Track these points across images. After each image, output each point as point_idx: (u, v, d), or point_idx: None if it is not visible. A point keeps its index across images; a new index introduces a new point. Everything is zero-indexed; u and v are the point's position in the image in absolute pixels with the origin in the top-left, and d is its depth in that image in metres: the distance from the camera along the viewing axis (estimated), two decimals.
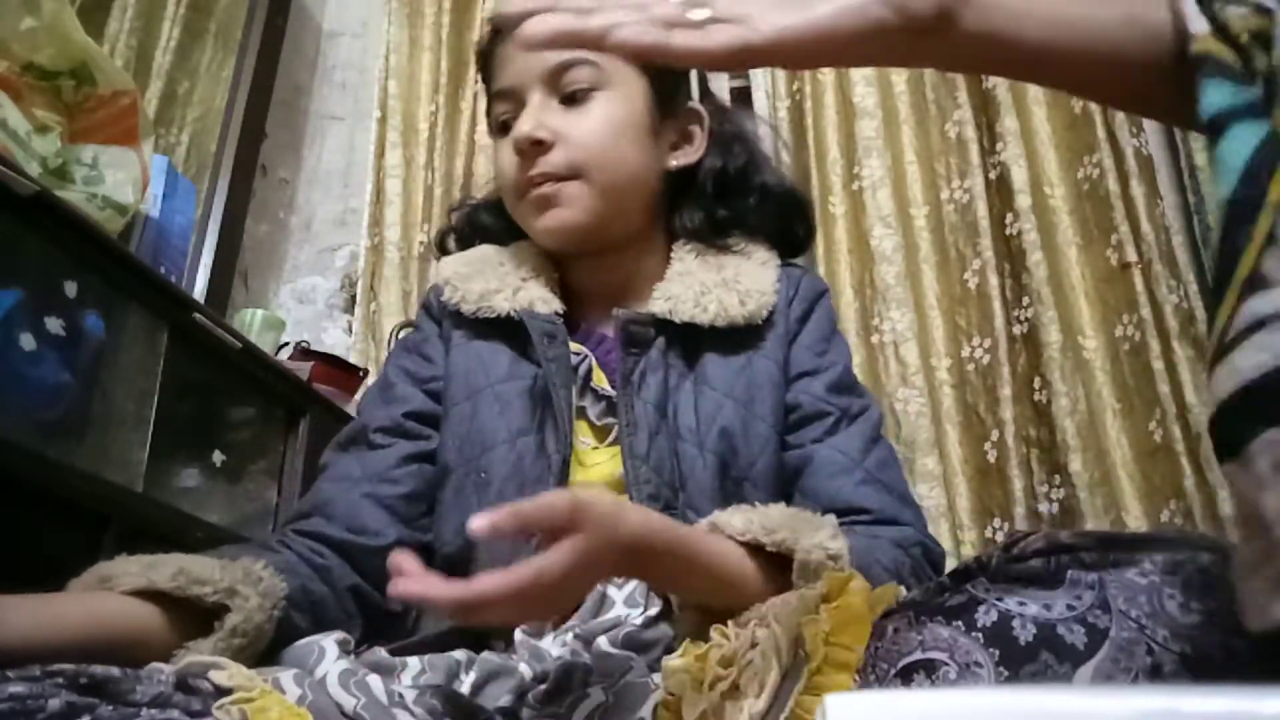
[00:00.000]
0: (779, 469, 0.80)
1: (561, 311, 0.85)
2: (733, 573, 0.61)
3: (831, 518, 0.65)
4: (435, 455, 0.83)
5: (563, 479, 0.75)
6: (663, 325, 0.81)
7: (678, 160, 0.88)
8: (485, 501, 0.76)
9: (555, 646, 0.68)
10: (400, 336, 0.96)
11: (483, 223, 0.95)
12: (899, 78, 1.87)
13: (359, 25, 2.27)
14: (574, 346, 0.83)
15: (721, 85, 1.92)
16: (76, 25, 1.30)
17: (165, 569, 0.61)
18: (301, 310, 2.02)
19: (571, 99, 0.83)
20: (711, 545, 0.61)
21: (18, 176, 0.99)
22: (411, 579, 0.51)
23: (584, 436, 0.81)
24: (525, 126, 0.81)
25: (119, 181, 1.32)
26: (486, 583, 0.49)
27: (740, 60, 0.46)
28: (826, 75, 1.87)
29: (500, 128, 0.86)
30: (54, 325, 1.03)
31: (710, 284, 0.82)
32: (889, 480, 0.79)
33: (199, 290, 1.76)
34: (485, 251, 0.90)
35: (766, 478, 0.78)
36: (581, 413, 0.81)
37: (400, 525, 0.78)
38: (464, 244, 0.96)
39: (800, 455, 0.80)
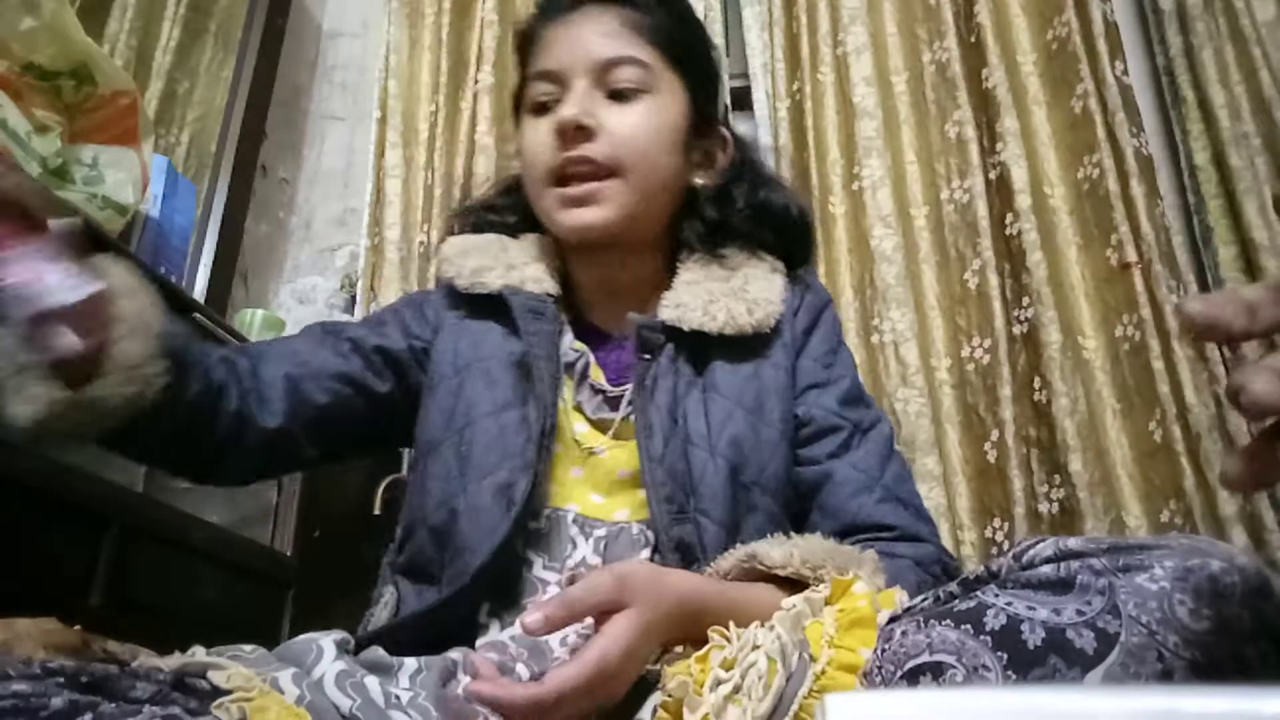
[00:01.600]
0: (787, 475, 0.80)
1: (555, 294, 0.85)
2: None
3: (872, 553, 0.66)
4: (372, 395, 0.84)
5: (543, 447, 0.75)
6: (671, 332, 0.82)
7: (700, 179, 0.89)
8: (466, 472, 0.76)
9: (555, 646, 0.68)
10: None
11: (487, 219, 0.95)
12: (899, 78, 1.87)
13: (359, 25, 2.27)
14: (576, 345, 0.83)
15: (722, 85, 1.92)
16: (76, 25, 1.30)
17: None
18: (301, 310, 2.02)
19: (618, 95, 0.83)
20: (749, 595, 0.63)
21: None
22: (488, 683, 0.54)
23: (580, 423, 0.81)
24: (572, 110, 0.81)
25: (119, 181, 1.32)
26: (560, 680, 0.52)
27: None
28: (826, 75, 1.87)
29: (537, 108, 0.85)
30: None
31: (718, 293, 0.83)
32: (906, 496, 0.80)
33: (199, 290, 1.76)
34: (489, 237, 0.91)
35: (776, 483, 0.79)
36: (579, 408, 0.81)
37: (293, 421, 0.80)
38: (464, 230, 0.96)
39: (818, 472, 0.80)
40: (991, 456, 1.60)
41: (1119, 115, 1.69)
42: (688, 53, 0.88)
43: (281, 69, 2.13)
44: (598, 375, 0.82)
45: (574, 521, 0.75)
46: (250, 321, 1.68)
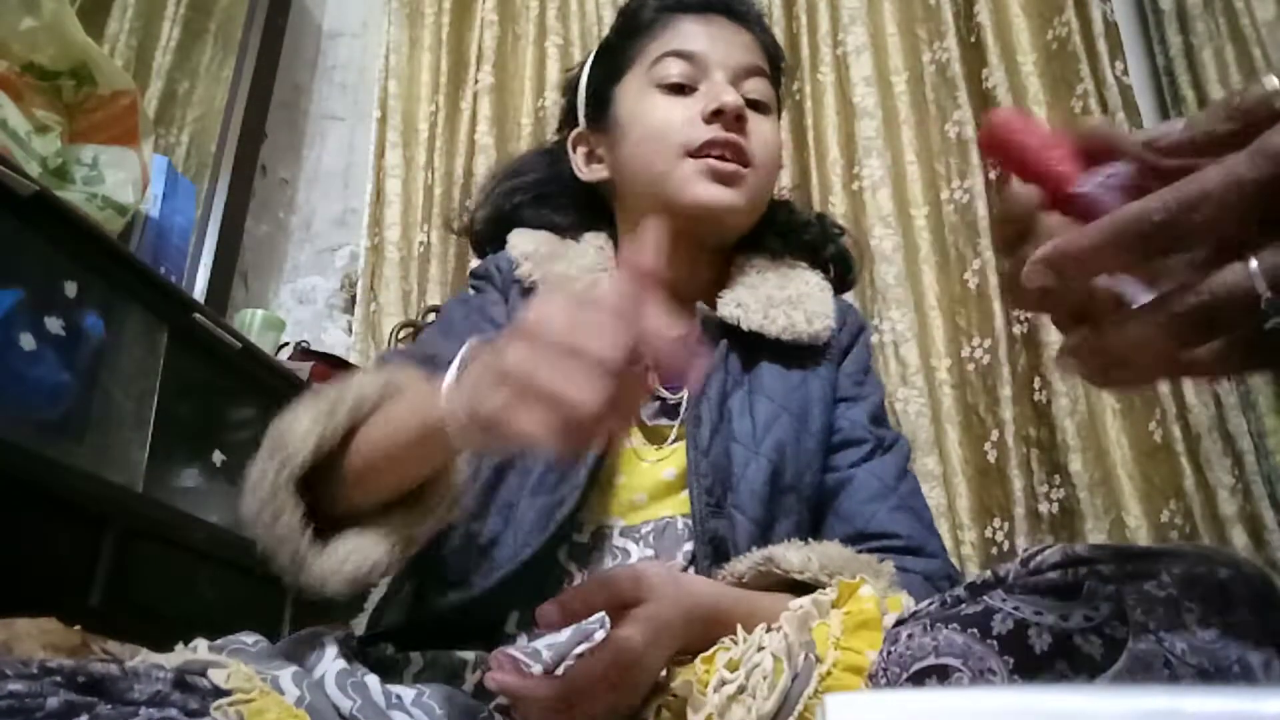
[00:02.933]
0: (821, 485, 0.82)
1: None
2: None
3: (889, 565, 0.67)
4: None
5: (592, 475, 0.75)
6: (726, 330, 0.83)
7: (776, 198, 0.93)
8: (525, 487, 0.75)
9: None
10: (400, 338, 0.95)
11: (542, 213, 0.93)
12: (899, 78, 1.87)
13: (359, 25, 2.27)
14: None
15: None
16: (76, 25, 1.30)
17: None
18: (301, 310, 2.02)
19: (752, 105, 0.86)
20: (768, 602, 0.63)
21: (18, 176, 0.99)
22: (511, 676, 0.53)
23: (634, 435, 0.80)
24: (738, 99, 0.83)
25: (119, 181, 1.32)
26: (579, 671, 0.52)
27: None
28: (826, 75, 1.87)
29: (672, 86, 0.86)
30: (54, 325, 1.03)
31: (777, 299, 0.84)
32: (918, 508, 0.82)
33: (199, 290, 1.75)
34: (550, 237, 0.90)
35: (811, 491, 0.80)
36: None
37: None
38: (499, 228, 0.94)
39: (838, 478, 0.82)
40: (991, 456, 1.60)
41: (1119, 115, 1.69)
42: (781, 86, 0.94)
43: (281, 69, 2.13)
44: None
45: (621, 534, 0.75)
46: (250, 321, 1.68)
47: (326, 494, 0.62)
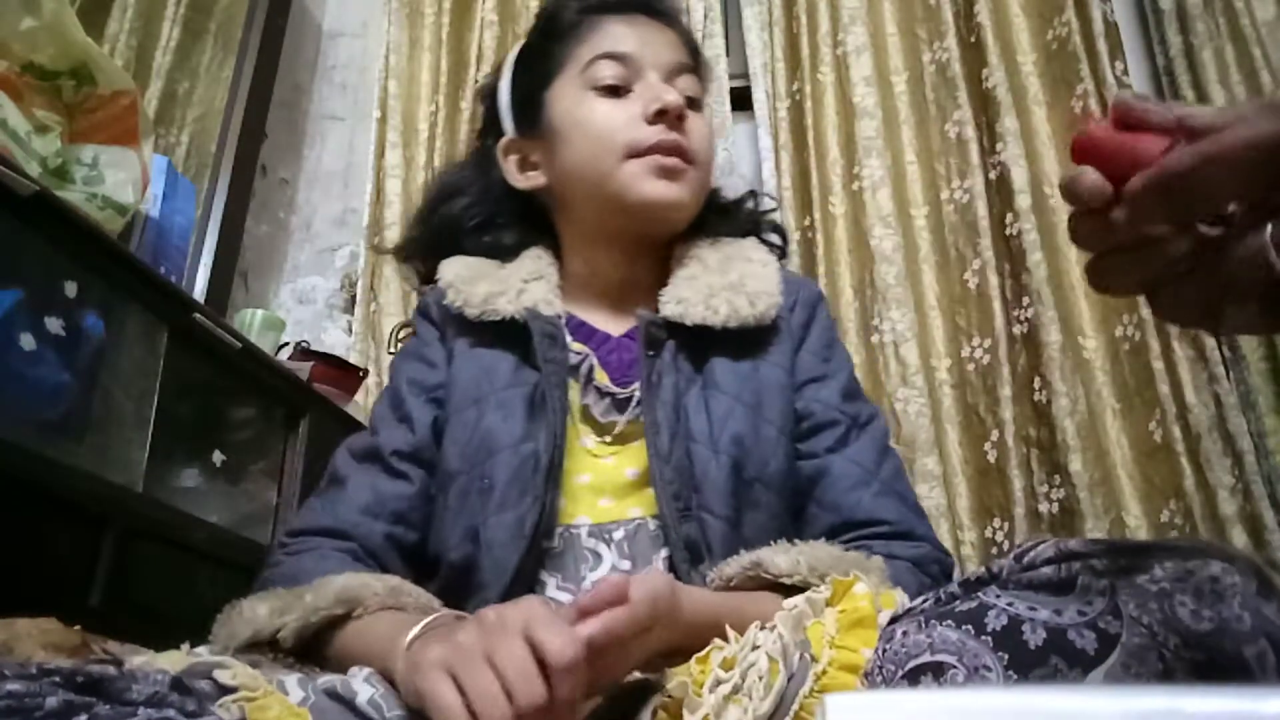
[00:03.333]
0: (789, 470, 0.80)
1: (562, 314, 0.85)
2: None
3: (879, 560, 0.67)
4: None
5: (550, 480, 0.75)
6: (672, 329, 0.82)
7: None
8: (488, 507, 0.76)
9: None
10: (400, 338, 0.95)
11: (480, 240, 0.92)
12: (899, 78, 1.87)
13: (359, 25, 2.27)
14: (576, 346, 0.83)
15: (722, 85, 1.92)
16: (76, 25, 1.30)
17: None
18: (301, 310, 2.02)
19: (688, 102, 0.86)
20: (761, 608, 0.62)
21: (18, 176, 0.99)
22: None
23: (587, 436, 0.81)
24: (678, 98, 0.84)
25: (119, 181, 1.32)
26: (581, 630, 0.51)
27: None
28: (826, 75, 1.87)
29: (606, 89, 0.86)
30: (54, 325, 1.03)
31: (718, 287, 0.83)
32: (903, 491, 0.81)
33: (199, 290, 1.76)
34: (482, 261, 0.89)
35: (778, 479, 0.79)
36: (586, 411, 0.81)
37: (408, 566, 0.79)
38: (434, 254, 0.92)
39: (815, 466, 0.81)
40: (991, 456, 1.60)
41: None
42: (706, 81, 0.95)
43: (281, 69, 2.13)
44: (603, 377, 0.82)
45: (589, 535, 0.75)
46: (250, 321, 1.68)
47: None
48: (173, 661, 0.55)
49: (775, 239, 0.96)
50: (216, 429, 1.37)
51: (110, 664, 0.50)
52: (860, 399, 0.86)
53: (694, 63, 0.91)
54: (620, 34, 0.87)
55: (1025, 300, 1.66)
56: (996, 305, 1.67)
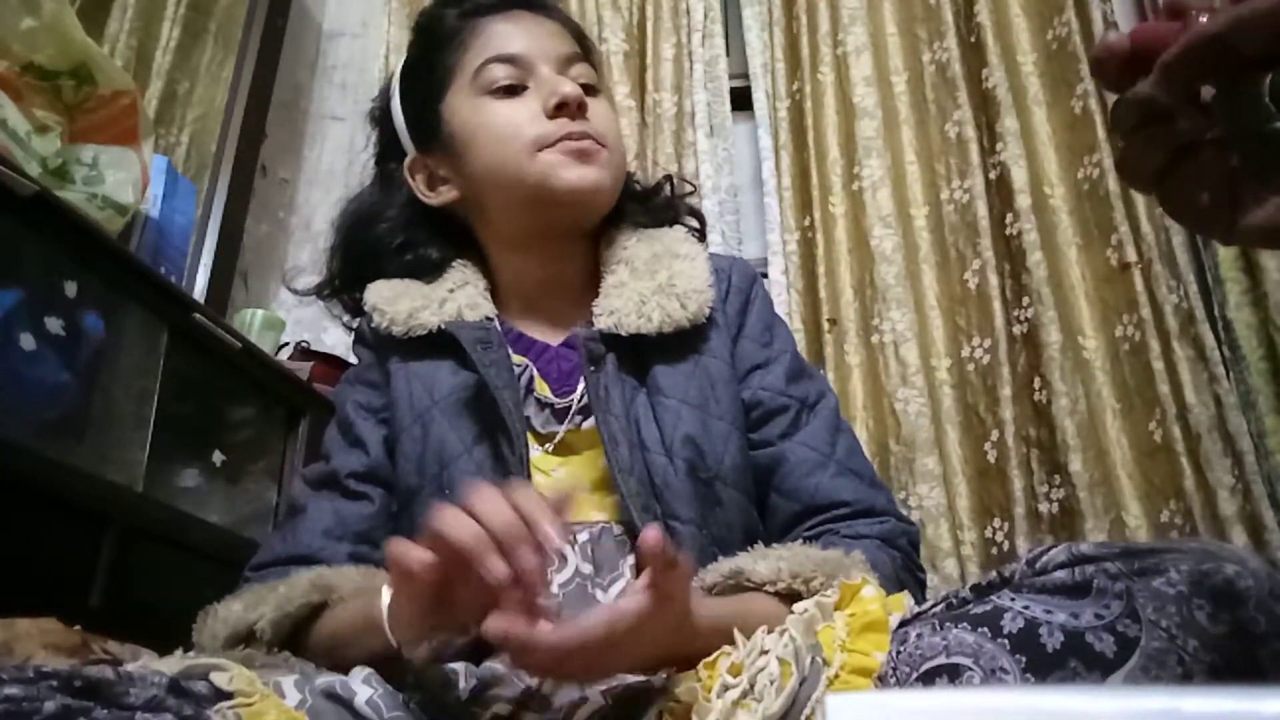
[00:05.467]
0: (746, 461, 0.80)
1: (493, 316, 0.85)
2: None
3: (859, 554, 0.66)
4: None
5: (518, 477, 0.75)
6: (610, 340, 0.82)
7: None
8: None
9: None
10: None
11: (402, 260, 0.90)
12: (899, 78, 1.87)
13: (359, 25, 2.27)
14: (516, 358, 0.83)
15: (722, 85, 1.92)
16: (76, 25, 1.30)
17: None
18: (301, 310, 2.01)
19: (585, 89, 0.86)
20: (756, 608, 0.62)
21: (18, 176, 0.98)
22: (516, 622, 0.53)
23: (534, 447, 0.80)
24: (575, 88, 0.83)
25: (119, 181, 1.32)
26: (585, 627, 0.51)
27: None
28: (826, 75, 1.87)
29: (502, 90, 0.85)
30: (54, 325, 1.03)
31: (648, 292, 0.82)
32: (859, 468, 0.81)
33: (199, 290, 1.75)
34: (408, 280, 0.88)
35: (736, 473, 0.79)
36: (526, 422, 0.80)
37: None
38: (359, 285, 0.91)
39: (771, 455, 0.81)
40: (991, 456, 1.60)
41: None
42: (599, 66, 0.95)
43: (281, 69, 2.12)
44: (544, 389, 0.82)
45: None
46: (250, 321, 1.68)
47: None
48: (169, 665, 0.55)
49: (694, 223, 0.95)
50: (216, 429, 1.37)
51: (108, 667, 0.50)
52: (806, 377, 0.86)
53: (583, 49, 0.90)
54: (505, 33, 0.87)
55: (1025, 300, 1.66)
56: (996, 305, 1.67)
